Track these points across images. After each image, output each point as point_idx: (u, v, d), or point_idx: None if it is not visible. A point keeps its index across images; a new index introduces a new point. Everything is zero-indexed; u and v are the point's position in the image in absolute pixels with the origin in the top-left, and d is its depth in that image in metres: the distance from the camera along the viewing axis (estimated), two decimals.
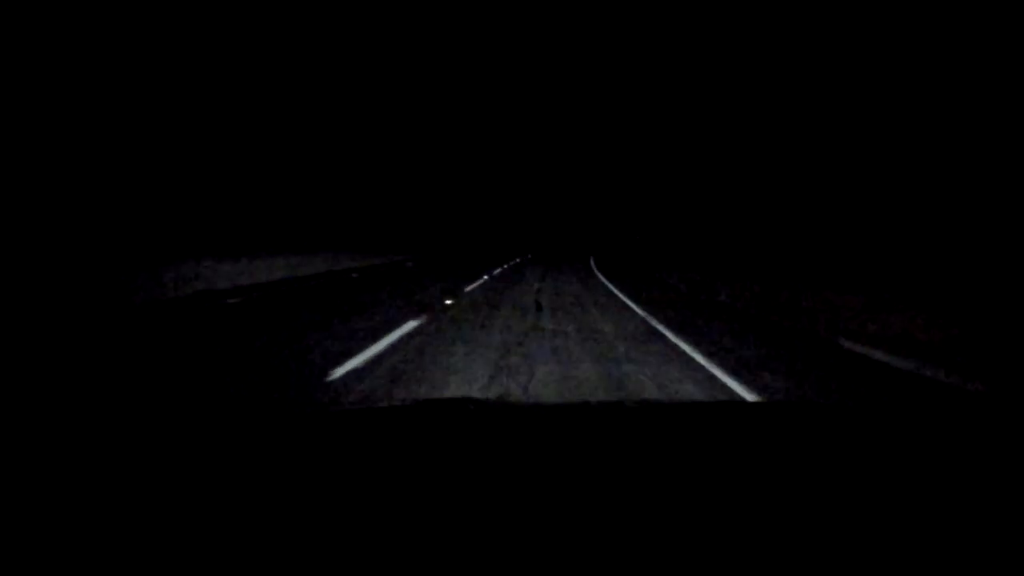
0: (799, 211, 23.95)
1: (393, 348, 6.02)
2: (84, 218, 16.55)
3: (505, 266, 25.32)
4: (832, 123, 21.04)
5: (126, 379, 4.59)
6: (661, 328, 8.04)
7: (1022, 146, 14.08)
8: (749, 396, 4.48)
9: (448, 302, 10.53)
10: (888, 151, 18.61)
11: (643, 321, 8.76)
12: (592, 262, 32.42)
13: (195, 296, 10.06)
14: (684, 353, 6.21)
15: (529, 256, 40.91)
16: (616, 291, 14.04)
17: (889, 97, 18.35)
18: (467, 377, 4.88)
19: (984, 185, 15.15)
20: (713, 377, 5.13)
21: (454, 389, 4.47)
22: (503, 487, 0.85)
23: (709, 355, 6.09)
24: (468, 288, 13.70)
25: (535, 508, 0.77)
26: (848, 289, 12.85)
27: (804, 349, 6.82)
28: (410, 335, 6.83)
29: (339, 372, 4.90)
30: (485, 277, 17.72)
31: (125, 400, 4.01)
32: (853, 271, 16.37)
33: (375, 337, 6.55)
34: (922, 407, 4.55)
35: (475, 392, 4.43)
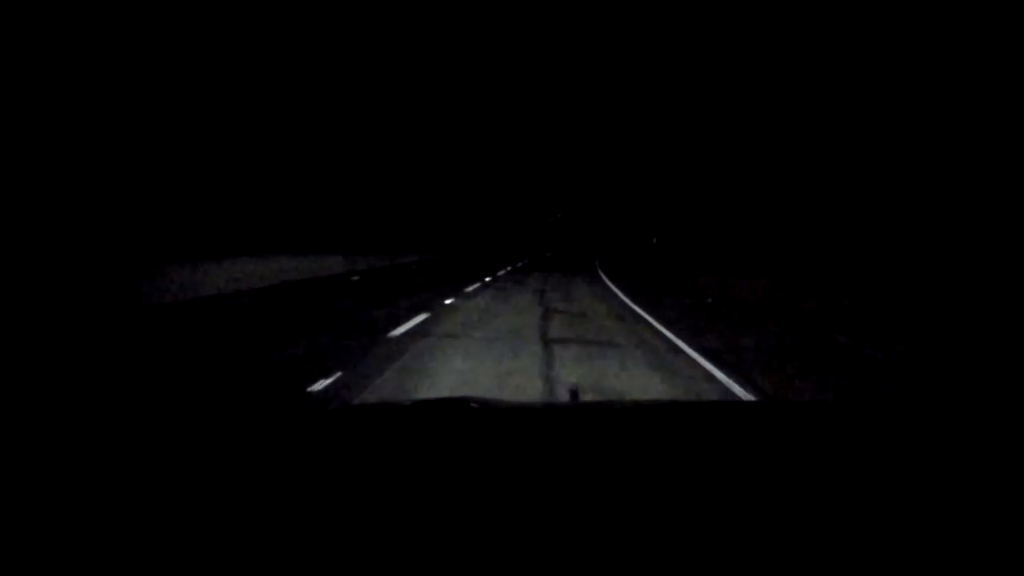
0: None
1: None
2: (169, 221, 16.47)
3: (487, 278, 18.71)
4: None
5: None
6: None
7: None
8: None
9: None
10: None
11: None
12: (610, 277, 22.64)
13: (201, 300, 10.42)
14: None
15: (520, 264, 30.21)
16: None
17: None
18: None
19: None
20: None
21: None
22: (501, 487, 0.85)
23: None
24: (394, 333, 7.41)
25: (534, 508, 0.77)
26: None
27: None
28: None
29: None
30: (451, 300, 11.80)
31: (132, 395, 4.09)
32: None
33: None
34: (922, 405, 4.57)
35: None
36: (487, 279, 17.69)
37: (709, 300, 12.61)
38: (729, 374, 5.36)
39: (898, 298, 11.28)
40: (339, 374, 5.01)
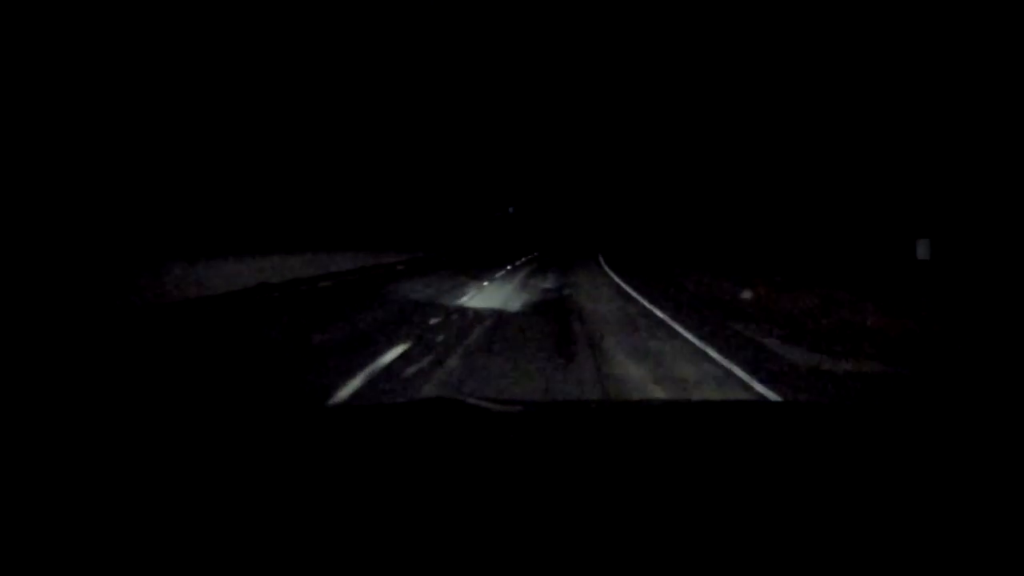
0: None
1: None
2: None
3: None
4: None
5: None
6: None
7: None
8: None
9: None
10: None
11: None
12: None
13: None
14: None
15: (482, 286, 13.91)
16: None
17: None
18: None
19: None
20: None
21: None
22: (500, 486, 0.84)
23: None
24: None
25: (533, 508, 0.76)
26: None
27: None
28: None
29: None
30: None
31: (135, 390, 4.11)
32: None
33: None
34: (941, 409, 4.58)
35: None
36: None
37: None
38: None
39: None
40: None
